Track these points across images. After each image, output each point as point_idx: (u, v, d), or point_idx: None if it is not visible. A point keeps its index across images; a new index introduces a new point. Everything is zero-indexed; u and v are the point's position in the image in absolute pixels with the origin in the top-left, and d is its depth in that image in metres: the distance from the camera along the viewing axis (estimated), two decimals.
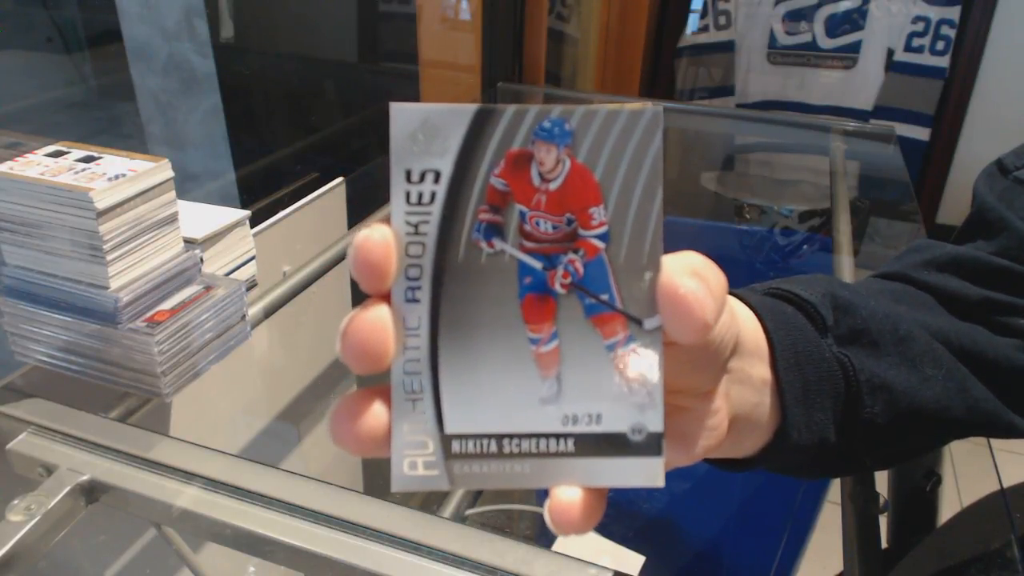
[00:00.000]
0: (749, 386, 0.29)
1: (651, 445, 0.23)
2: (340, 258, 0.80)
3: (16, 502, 0.44)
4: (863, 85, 2.32)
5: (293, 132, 1.47)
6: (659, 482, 0.23)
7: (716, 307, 0.22)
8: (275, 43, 1.53)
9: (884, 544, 0.50)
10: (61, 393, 0.53)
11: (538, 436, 0.23)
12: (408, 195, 0.22)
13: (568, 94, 1.70)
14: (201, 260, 0.58)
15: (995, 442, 0.49)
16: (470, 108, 0.22)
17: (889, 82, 2.28)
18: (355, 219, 0.97)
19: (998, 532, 0.53)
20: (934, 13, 2.18)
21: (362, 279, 0.21)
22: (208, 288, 0.56)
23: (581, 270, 0.23)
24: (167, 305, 0.54)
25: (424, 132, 0.22)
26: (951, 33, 2.17)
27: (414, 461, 0.22)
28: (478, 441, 0.23)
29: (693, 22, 2.44)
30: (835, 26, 2.30)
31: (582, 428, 0.23)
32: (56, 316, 0.53)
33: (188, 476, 0.46)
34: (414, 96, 1.38)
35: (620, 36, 2.13)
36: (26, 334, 0.55)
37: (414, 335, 0.22)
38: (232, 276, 0.65)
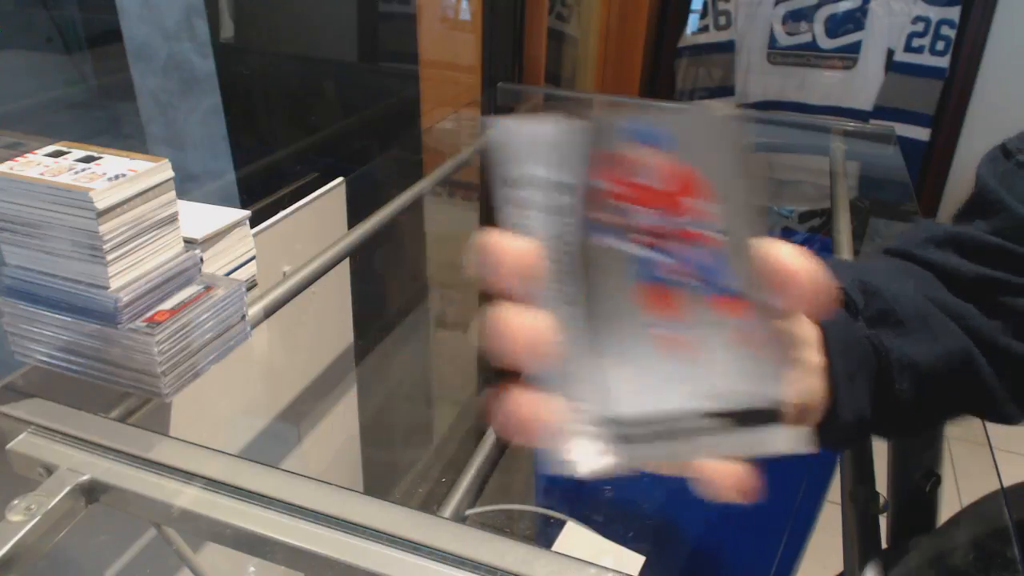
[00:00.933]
0: (806, 371, 0.32)
1: (791, 415, 0.25)
2: (340, 258, 0.80)
3: (16, 502, 0.44)
4: (863, 85, 2.32)
5: (293, 132, 1.47)
6: (807, 447, 0.25)
7: (826, 283, 0.25)
8: (275, 43, 1.53)
9: (884, 544, 0.50)
10: (61, 393, 0.53)
11: (690, 415, 0.25)
12: (520, 202, 0.24)
13: (568, 94, 1.70)
14: (201, 260, 0.58)
15: (995, 442, 0.49)
16: (572, 121, 0.23)
17: (889, 82, 2.28)
18: (355, 219, 0.97)
19: (998, 532, 0.53)
20: (934, 13, 2.17)
21: (509, 283, 0.23)
22: (208, 288, 0.56)
23: (700, 259, 0.24)
24: (167, 305, 0.54)
25: (527, 145, 0.23)
26: (951, 33, 2.17)
27: (580, 447, 0.24)
28: (637, 424, 0.25)
29: (693, 22, 2.44)
30: (835, 26, 2.30)
31: (728, 405, 0.25)
32: (56, 316, 0.53)
33: (188, 476, 0.46)
34: (414, 95, 1.38)
35: (620, 36, 2.13)
36: (26, 334, 0.55)
37: (573, 335, 0.24)
38: (232, 276, 0.65)
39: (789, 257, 0.24)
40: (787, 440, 0.25)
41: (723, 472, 0.25)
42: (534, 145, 0.23)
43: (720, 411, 0.25)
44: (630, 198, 0.24)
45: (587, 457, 0.24)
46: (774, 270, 0.24)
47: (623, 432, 0.25)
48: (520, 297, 0.24)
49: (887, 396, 0.35)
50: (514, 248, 0.23)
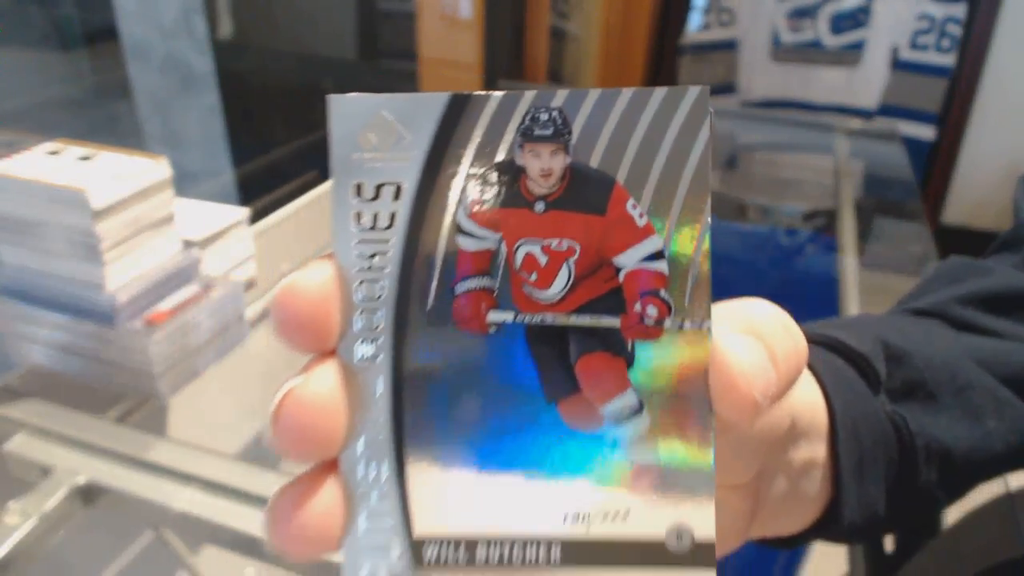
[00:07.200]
0: (797, 471, 0.25)
1: (697, 555, 0.16)
2: None
3: (12, 504, 0.44)
4: (867, 83, 2.31)
5: (292, 130, 1.47)
6: None
7: (775, 383, 0.17)
8: (273, 40, 1.53)
9: (888, 548, 0.50)
10: (58, 394, 0.53)
11: (536, 541, 0.17)
12: (359, 217, 0.17)
13: None
14: (199, 260, 0.58)
15: None
16: (440, 96, 0.16)
17: (894, 80, 2.27)
18: None
19: (1004, 536, 0.52)
20: (939, 11, 2.16)
21: (294, 338, 0.16)
22: (206, 288, 0.56)
23: (601, 306, 0.17)
24: (165, 305, 0.53)
25: (378, 132, 0.16)
26: (957, 31, 2.16)
27: (375, 568, 0.17)
28: (454, 545, 0.17)
29: (696, 19, 2.44)
30: (839, 24, 2.29)
31: (599, 529, 0.17)
32: (53, 316, 0.52)
33: (186, 478, 0.46)
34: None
35: (622, 34, 2.13)
36: (22, 335, 0.54)
37: (371, 407, 0.17)
38: (230, 276, 0.64)
39: (725, 335, 0.16)
40: None
41: None
42: (378, 131, 0.16)
43: (578, 539, 0.17)
44: (509, 229, 0.16)
45: None
46: (715, 360, 0.16)
47: (424, 555, 0.17)
48: (317, 354, 0.17)
49: (909, 487, 0.29)
50: (304, 286, 0.16)
